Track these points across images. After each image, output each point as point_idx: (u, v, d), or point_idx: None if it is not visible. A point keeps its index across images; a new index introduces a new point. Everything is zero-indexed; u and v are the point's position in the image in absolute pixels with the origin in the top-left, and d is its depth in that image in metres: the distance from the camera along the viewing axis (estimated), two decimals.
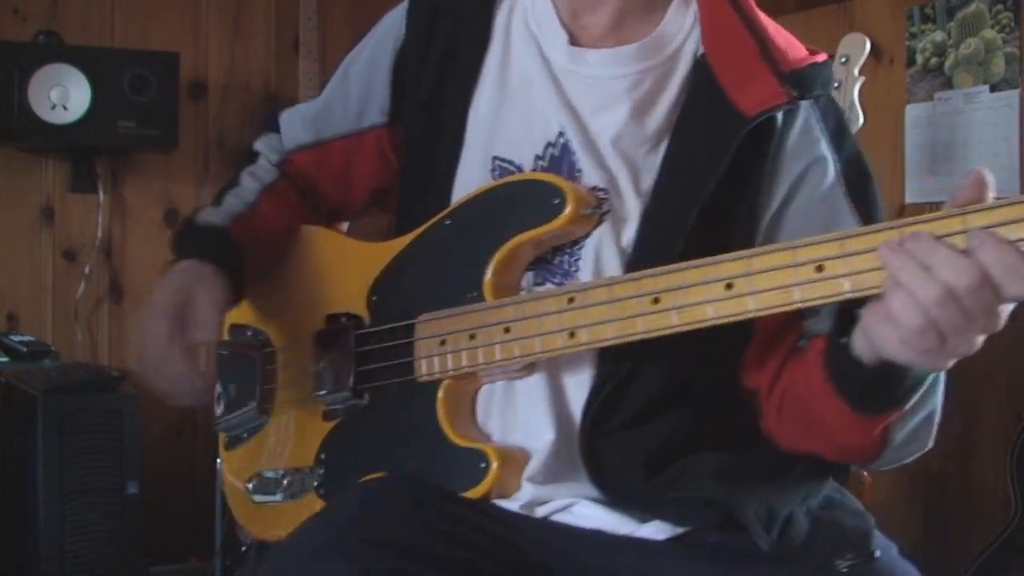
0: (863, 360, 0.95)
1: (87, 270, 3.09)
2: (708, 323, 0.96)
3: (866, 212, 1.10)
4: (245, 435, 1.32)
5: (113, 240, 3.15)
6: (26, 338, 2.80)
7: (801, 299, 0.92)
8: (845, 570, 1.04)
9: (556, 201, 1.08)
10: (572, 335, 1.03)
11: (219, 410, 1.33)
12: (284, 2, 3.33)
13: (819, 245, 0.91)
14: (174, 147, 3.01)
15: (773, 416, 1.11)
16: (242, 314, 1.35)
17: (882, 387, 0.96)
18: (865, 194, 1.12)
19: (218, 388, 1.33)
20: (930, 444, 1.07)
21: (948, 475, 2.82)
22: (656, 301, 0.99)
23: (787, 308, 0.93)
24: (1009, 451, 2.42)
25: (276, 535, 1.24)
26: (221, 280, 1.17)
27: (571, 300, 1.04)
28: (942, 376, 1.01)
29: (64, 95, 2.83)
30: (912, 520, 2.89)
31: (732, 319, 0.95)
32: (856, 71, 2.39)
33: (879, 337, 0.89)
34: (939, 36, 2.84)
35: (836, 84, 2.38)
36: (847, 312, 0.95)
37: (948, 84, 2.82)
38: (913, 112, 2.89)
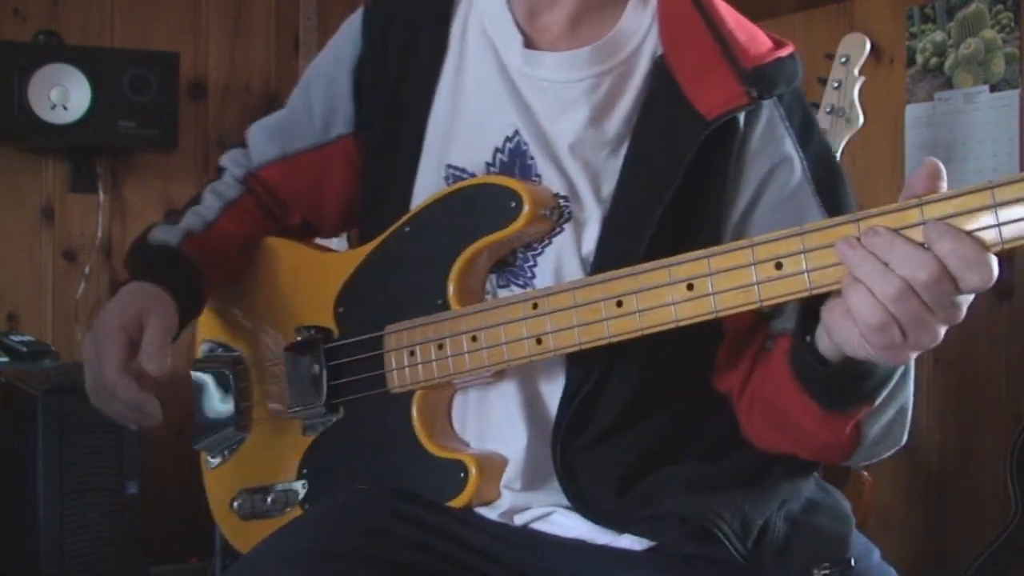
0: (828, 357, 0.94)
1: (87, 270, 3.10)
2: (672, 325, 0.95)
3: (835, 211, 1.06)
4: (226, 453, 1.30)
5: (113, 240, 3.15)
6: (26, 338, 2.80)
7: (761, 298, 0.91)
8: None
9: (513, 204, 1.07)
10: (539, 341, 1.02)
11: (197, 429, 1.32)
12: (284, 2, 3.34)
13: (778, 242, 0.90)
14: (174, 147, 3.01)
15: (745, 418, 1.10)
16: (212, 331, 1.34)
17: (848, 384, 0.95)
18: (834, 193, 1.10)
19: (195, 407, 1.32)
20: (904, 439, 1.06)
21: (948, 475, 2.82)
22: (620, 304, 0.98)
23: (749, 307, 0.92)
24: (1009, 451, 2.42)
25: None
26: (171, 304, 1.15)
27: (535, 306, 1.03)
28: (911, 371, 1.00)
29: (64, 95, 2.83)
30: (912, 520, 2.89)
31: (696, 320, 0.95)
32: (856, 71, 2.38)
33: (840, 334, 0.88)
34: (939, 36, 2.84)
35: (836, 84, 2.38)
36: (811, 309, 0.94)
37: (948, 84, 2.82)
38: (913, 112, 2.89)
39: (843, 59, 2.38)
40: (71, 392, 2.45)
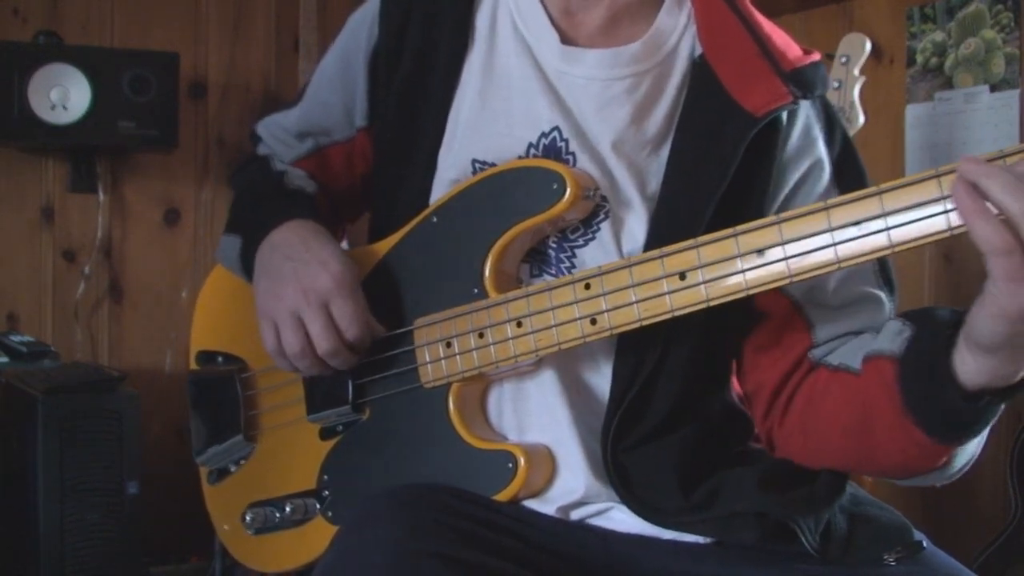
0: (965, 383, 0.91)
1: (87, 270, 3.09)
2: (743, 294, 0.95)
3: None
4: (231, 467, 1.27)
5: (113, 240, 3.14)
6: (26, 338, 2.80)
7: (839, 259, 0.90)
8: (893, 563, 1.04)
9: (555, 186, 1.05)
10: (594, 322, 1.01)
11: (199, 442, 1.28)
12: (284, 2, 3.33)
13: (854, 204, 0.89)
14: (174, 147, 3.01)
15: (776, 422, 1.11)
16: (209, 339, 1.30)
17: (970, 417, 0.93)
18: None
19: (195, 419, 1.28)
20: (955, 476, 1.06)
21: None
22: (683, 277, 0.97)
23: (828, 270, 0.92)
24: (1009, 451, 2.42)
25: (281, 567, 1.21)
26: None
27: (588, 287, 1.02)
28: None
29: (64, 95, 2.83)
30: (912, 520, 2.88)
31: (769, 286, 0.94)
32: (856, 71, 2.39)
33: (998, 311, 0.83)
34: (939, 36, 2.83)
35: (836, 84, 2.38)
36: (941, 336, 0.92)
37: (948, 84, 2.82)
38: (913, 112, 2.89)
39: (843, 59, 2.38)
40: (71, 392, 2.45)
